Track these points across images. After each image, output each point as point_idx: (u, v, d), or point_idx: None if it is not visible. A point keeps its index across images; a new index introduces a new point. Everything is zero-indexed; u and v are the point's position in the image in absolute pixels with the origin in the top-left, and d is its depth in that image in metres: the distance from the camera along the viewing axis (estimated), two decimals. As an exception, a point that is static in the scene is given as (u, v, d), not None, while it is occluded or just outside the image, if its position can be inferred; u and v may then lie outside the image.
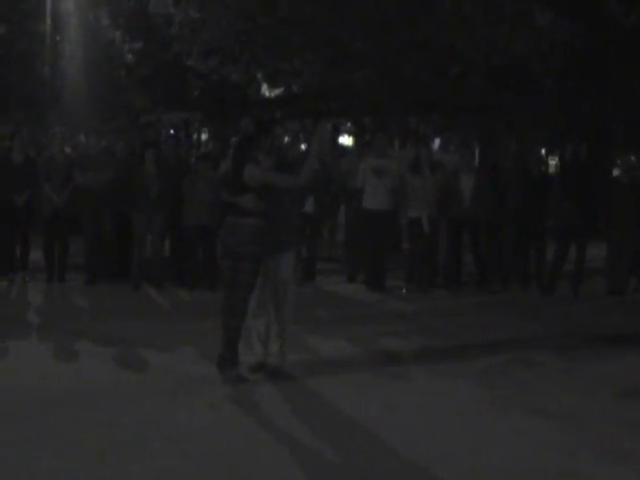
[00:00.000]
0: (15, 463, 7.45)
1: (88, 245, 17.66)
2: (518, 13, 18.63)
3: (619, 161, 24.28)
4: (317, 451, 7.95)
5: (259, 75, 27.26)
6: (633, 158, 20.12)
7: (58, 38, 23.40)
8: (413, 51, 19.64)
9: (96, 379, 10.32)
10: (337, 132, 30.71)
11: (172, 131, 34.13)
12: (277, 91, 29.68)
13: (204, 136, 35.78)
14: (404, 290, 17.50)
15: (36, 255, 18.00)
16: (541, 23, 18.85)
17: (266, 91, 30.37)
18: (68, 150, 18.90)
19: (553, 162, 31.00)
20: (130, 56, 28.33)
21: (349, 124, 35.71)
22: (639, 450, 8.39)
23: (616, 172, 23.06)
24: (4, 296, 16.34)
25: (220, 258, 10.53)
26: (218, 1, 20.08)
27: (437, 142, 32.36)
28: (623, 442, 8.62)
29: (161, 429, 8.34)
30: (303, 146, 27.20)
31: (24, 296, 16.33)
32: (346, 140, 34.64)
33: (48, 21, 23.46)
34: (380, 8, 18.73)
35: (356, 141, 30.66)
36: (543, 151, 30.90)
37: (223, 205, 10.57)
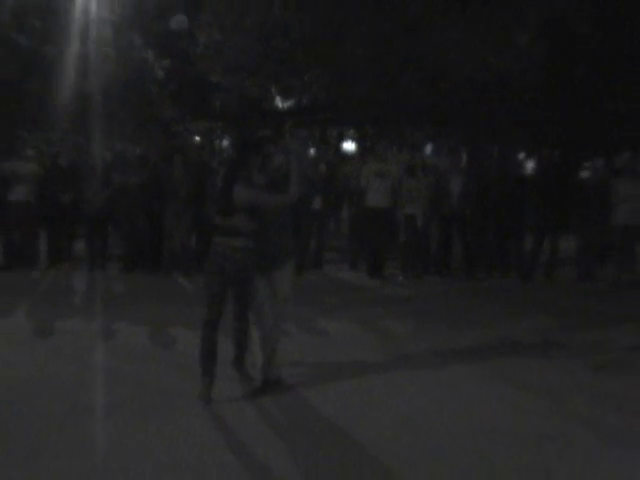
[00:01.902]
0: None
1: (124, 238, 17.73)
2: (500, 34, 18.64)
3: (587, 165, 24.31)
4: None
5: (273, 89, 27.28)
6: (600, 163, 20.16)
7: (99, 58, 23.38)
8: (408, 67, 19.68)
9: (131, 355, 10.38)
10: (341, 138, 30.75)
11: (197, 138, 34.09)
12: (289, 103, 29.64)
13: (225, 142, 35.73)
14: (400, 277, 17.55)
15: (80, 247, 18.07)
16: (520, 43, 18.88)
17: (279, 103, 30.34)
18: (107, 155, 18.91)
19: (530, 165, 30.91)
20: (160, 73, 28.30)
21: (352, 131, 35.62)
22: (610, 418, 8.44)
23: (585, 174, 23.08)
24: (52, 282, 16.39)
25: (209, 275, 8.75)
26: (238, 26, 20.11)
27: (429, 148, 32.40)
28: (595, 410, 8.67)
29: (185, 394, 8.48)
30: (312, 151, 27.25)
31: (69, 282, 16.36)
32: (349, 146, 34.52)
33: (91, 43, 23.49)
34: (379, 30, 18.77)
35: (358, 147, 30.62)
36: (522, 156, 30.80)
37: (212, 225, 8.93)
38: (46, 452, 6.95)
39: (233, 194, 8.57)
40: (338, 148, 28.24)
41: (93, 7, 24.31)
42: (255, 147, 8.93)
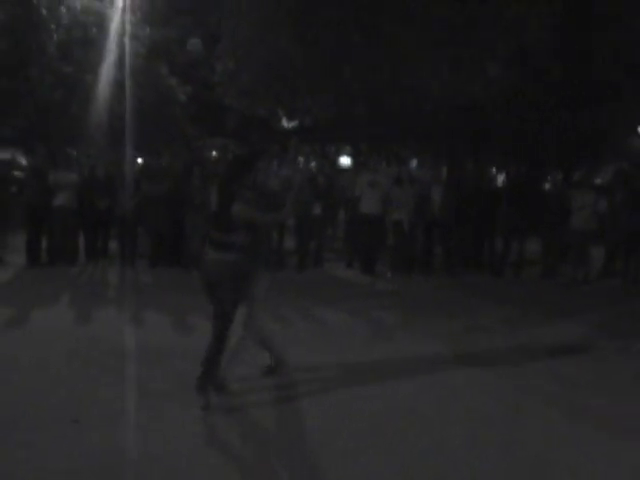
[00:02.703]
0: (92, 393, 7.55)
1: (150, 239, 17.75)
2: (474, 66, 18.74)
3: (549, 178, 24.36)
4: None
5: (280, 111, 27.33)
6: (559, 176, 20.20)
7: (131, 84, 23.47)
8: (394, 94, 19.75)
9: (157, 339, 10.37)
10: (338, 153, 30.80)
11: (213, 153, 34.15)
12: (293, 123, 29.66)
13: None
14: (389, 274, 17.52)
15: (113, 246, 18.10)
16: (492, 73, 18.97)
17: (285, 123, 30.36)
18: (137, 167, 18.93)
19: (501, 178, 30.96)
20: (183, 97, 28.37)
21: (348, 147, 35.65)
22: (567, 394, 8.46)
23: (547, 186, 23.15)
24: (89, 276, 16.38)
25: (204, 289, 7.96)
26: (250, 55, 20.18)
27: (414, 162, 32.42)
28: (551, 388, 8.70)
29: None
30: (313, 164, 27.29)
31: (104, 276, 16.36)
32: (345, 160, 34.54)
33: (124, 71, 23.62)
34: (370, 62, 18.88)
35: (353, 161, 30.63)
36: (494, 170, 30.82)
37: (204, 239, 8.13)
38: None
39: (232, 210, 7.70)
40: (335, 162, 28.21)
41: (126, 41, 24.40)
42: (249, 163, 8.10)
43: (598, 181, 25.92)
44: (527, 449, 6.81)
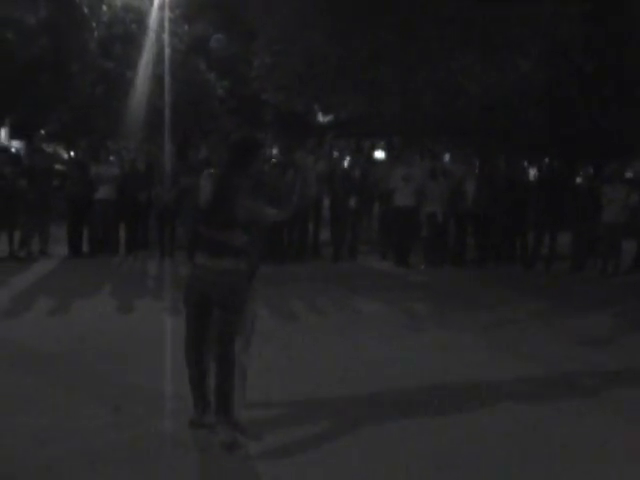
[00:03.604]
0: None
1: (189, 230, 17.88)
2: (506, 62, 18.73)
3: (581, 173, 24.28)
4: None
5: (316, 106, 27.41)
6: (591, 170, 20.14)
7: (169, 79, 23.64)
8: (429, 89, 19.79)
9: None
10: (373, 148, 30.83)
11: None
12: (329, 118, 29.73)
13: (275, 151, 35.91)
14: (422, 266, 17.55)
15: (153, 237, 18.26)
16: (524, 70, 18.94)
17: (321, 118, 30.44)
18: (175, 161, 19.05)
19: (532, 172, 30.87)
20: (221, 91, 28.50)
21: (382, 142, 35.65)
22: (597, 383, 8.51)
23: (579, 180, 23.07)
24: (129, 267, 16.56)
25: (185, 302, 6.55)
26: (286, 51, 20.27)
27: (447, 156, 32.40)
28: (581, 379, 8.74)
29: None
30: (347, 159, 27.31)
31: (144, 267, 16.51)
32: (380, 154, 34.57)
33: (166, 66, 23.80)
34: (404, 59, 18.91)
35: (388, 154, 30.65)
36: (525, 163, 30.73)
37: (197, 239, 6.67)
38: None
39: (235, 206, 6.22)
40: (370, 156, 28.26)
41: (165, 37, 24.55)
42: (252, 149, 6.53)
43: (629, 175, 25.80)
44: (556, 434, 6.85)
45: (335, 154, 24.15)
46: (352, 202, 17.92)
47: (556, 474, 6.06)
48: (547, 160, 26.37)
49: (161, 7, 25.30)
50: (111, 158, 19.95)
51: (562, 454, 6.46)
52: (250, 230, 6.33)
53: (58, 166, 23.84)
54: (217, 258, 6.29)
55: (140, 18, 25.58)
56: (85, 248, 17.55)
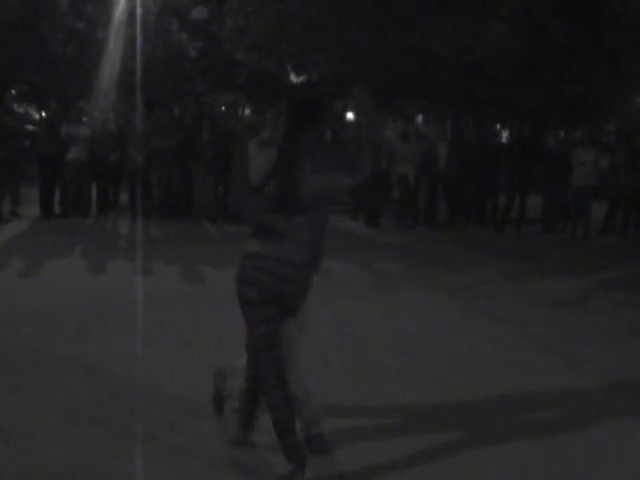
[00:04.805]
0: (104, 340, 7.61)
1: (161, 191, 17.80)
2: (479, 26, 18.70)
3: (552, 135, 24.33)
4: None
5: (288, 66, 27.34)
6: (562, 134, 20.16)
7: (141, 40, 23.49)
8: (402, 51, 19.73)
9: (166, 288, 10.43)
10: (345, 109, 30.75)
11: (223, 107, 34.12)
12: (302, 78, 29.62)
13: (247, 111, 35.78)
14: (394, 227, 17.54)
15: (124, 198, 18.16)
16: (497, 31, 18.91)
17: (293, 78, 30.33)
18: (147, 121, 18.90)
19: (505, 135, 30.94)
20: (193, 52, 28.34)
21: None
22: (565, 343, 8.52)
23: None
24: (101, 228, 16.46)
25: (255, 310, 4.90)
26: (259, 12, 20.17)
27: (420, 118, 32.31)
28: (551, 338, 8.75)
29: (215, 325, 8.44)
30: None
31: (115, 228, 16.42)
32: (352, 115, 34.47)
33: (135, 27, 23.64)
34: (377, 21, 18.85)
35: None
36: (498, 126, 30.77)
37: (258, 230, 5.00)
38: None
39: (304, 182, 4.84)
40: (342, 117, 28.17)
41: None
42: (316, 111, 5.12)
43: (604, 139, 25.83)
44: (522, 394, 6.85)
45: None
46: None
47: (516, 428, 6.05)
48: (518, 124, 26.36)
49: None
50: (84, 119, 19.70)
51: (527, 412, 6.47)
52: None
53: (29, 127, 23.64)
54: (289, 250, 4.92)
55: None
56: (57, 209, 17.43)
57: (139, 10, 24.28)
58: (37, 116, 31.03)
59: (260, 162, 4.89)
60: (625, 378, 7.54)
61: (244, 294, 4.90)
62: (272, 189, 4.84)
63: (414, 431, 5.95)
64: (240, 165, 5.02)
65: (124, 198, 18.24)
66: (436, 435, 5.85)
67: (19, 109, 29.17)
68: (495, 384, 7.06)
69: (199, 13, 28.25)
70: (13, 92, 29.73)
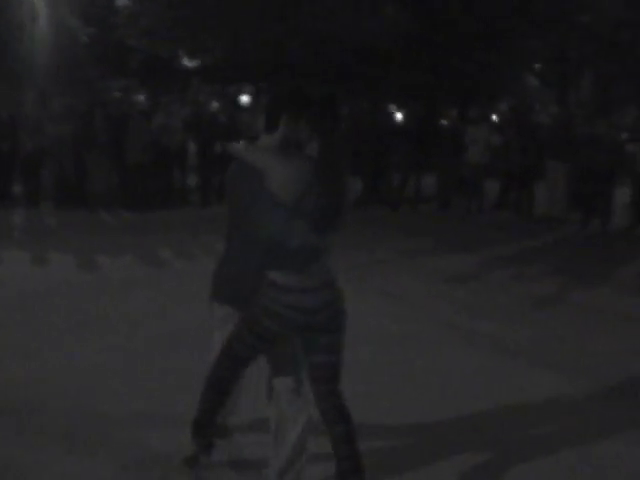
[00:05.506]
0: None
1: (55, 180, 17.48)
2: (370, 6, 18.86)
3: (444, 114, 24.65)
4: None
5: (181, 52, 27.17)
6: (454, 112, 20.47)
7: (33, 25, 23.11)
8: (293, 36, 19.77)
9: (62, 278, 10.27)
10: (239, 93, 30.67)
11: (117, 93, 33.81)
12: (194, 63, 29.45)
13: (142, 97, 35.55)
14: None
15: (17, 188, 17.82)
16: (388, 13, 19.08)
17: (187, 63, 30.14)
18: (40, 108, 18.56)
19: (399, 116, 31.15)
20: (85, 38, 27.98)
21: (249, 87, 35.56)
22: (461, 319, 8.65)
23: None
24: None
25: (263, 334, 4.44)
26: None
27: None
28: (448, 314, 8.87)
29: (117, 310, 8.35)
30: (215, 104, 27.11)
31: (6, 218, 16.05)
32: (246, 99, 34.37)
33: (27, 12, 23.29)
34: (270, 3, 18.90)
35: (253, 99, 30.48)
36: (392, 108, 30.98)
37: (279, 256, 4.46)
38: None
39: (347, 194, 4.50)
40: (236, 101, 28.06)
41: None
42: (330, 106, 4.65)
43: (495, 117, 26.23)
44: (420, 369, 6.93)
45: (201, 99, 23.86)
46: (218, 148, 17.73)
47: (412, 400, 6.12)
48: (413, 103, 26.58)
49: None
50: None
51: (424, 388, 6.55)
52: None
53: None
54: (317, 276, 4.68)
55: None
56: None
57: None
58: None
59: (289, 173, 4.20)
60: (521, 349, 7.70)
61: (266, 327, 4.40)
62: (310, 204, 4.27)
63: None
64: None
65: (17, 188, 17.86)
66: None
67: None
68: (394, 359, 7.14)
69: None
70: None
